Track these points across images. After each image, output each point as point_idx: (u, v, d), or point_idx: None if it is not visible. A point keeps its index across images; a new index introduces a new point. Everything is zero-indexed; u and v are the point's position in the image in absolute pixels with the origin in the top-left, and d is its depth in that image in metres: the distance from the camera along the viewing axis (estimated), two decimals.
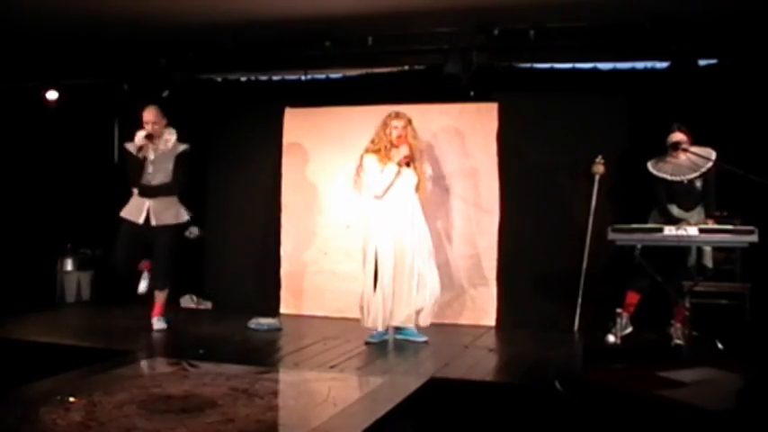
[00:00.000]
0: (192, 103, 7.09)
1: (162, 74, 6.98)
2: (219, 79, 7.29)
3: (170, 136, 5.77)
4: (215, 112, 7.16)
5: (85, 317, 6.67)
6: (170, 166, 5.71)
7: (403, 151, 5.29)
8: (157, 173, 5.69)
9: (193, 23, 6.19)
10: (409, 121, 5.42)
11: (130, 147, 5.72)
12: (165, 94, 6.93)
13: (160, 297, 5.88)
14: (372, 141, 5.45)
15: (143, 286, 5.86)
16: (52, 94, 7.33)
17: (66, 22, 6.13)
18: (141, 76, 7.04)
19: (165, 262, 5.76)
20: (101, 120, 7.53)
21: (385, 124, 5.41)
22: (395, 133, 5.35)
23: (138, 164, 5.62)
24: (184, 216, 5.86)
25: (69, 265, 7.32)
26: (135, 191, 5.74)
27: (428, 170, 5.64)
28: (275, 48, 6.69)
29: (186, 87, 7.08)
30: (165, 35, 6.58)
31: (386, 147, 5.36)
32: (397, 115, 5.41)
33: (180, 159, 5.74)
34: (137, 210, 5.68)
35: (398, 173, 5.32)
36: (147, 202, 5.67)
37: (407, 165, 5.33)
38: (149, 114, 5.68)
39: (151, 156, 5.68)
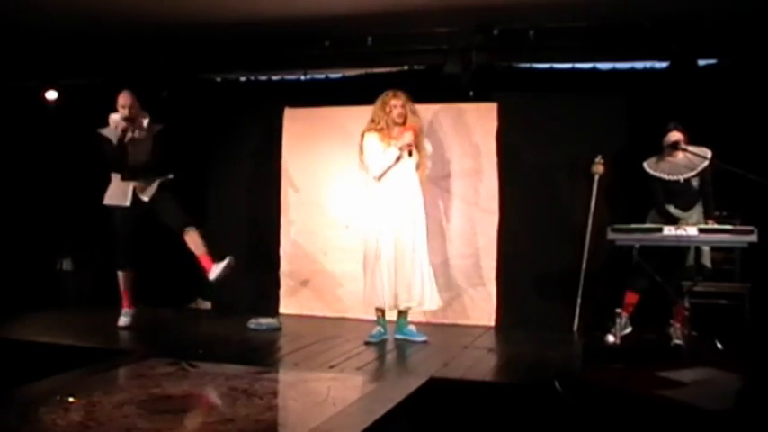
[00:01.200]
0: (191, 103, 7.09)
1: (161, 74, 6.98)
2: (219, 79, 7.28)
3: (144, 119, 5.73)
4: (215, 112, 7.16)
5: (85, 317, 6.66)
6: (149, 147, 5.70)
7: (407, 138, 5.28)
8: (138, 156, 5.67)
9: (193, 23, 6.19)
10: (408, 98, 5.43)
11: (106, 132, 5.70)
12: (165, 94, 6.94)
13: (195, 239, 5.63)
14: (372, 120, 5.45)
15: (124, 321, 5.84)
16: (52, 94, 7.33)
17: (65, 21, 6.13)
18: (141, 76, 7.03)
19: (178, 206, 5.69)
20: (100, 120, 7.51)
21: (384, 103, 5.40)
22: (395, 112, 5.35)
23: (119, 149, 5.60)
24: (166, 179, 5.79)
25: (69, 265, 7.31)
26: (116, 176, 5.73)
27: (428, 147, 5.61)
28: (275, 48, 6.68)
29: (186, 87, 7.08)
30: (165, 35, 6.58)
31: (387, 125, 5.37)
32: (396, 94, 5.40)
33: (158, 139, 5.73)
34: (122, 193, 5.69)
35: (399, 157, 5.32)
36: (131, 185, 5.68)
37: (410, 153, 5.33)
38: (125, 98, 5.64)
39: (131, 139, 5.69)
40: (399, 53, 6.47)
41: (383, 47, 6.39)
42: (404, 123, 5.39)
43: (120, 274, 5.86)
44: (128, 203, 5.66)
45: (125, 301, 5.89)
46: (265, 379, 4.27)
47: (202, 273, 5.63)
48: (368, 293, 5.43)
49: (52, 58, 7.09)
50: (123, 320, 5.84)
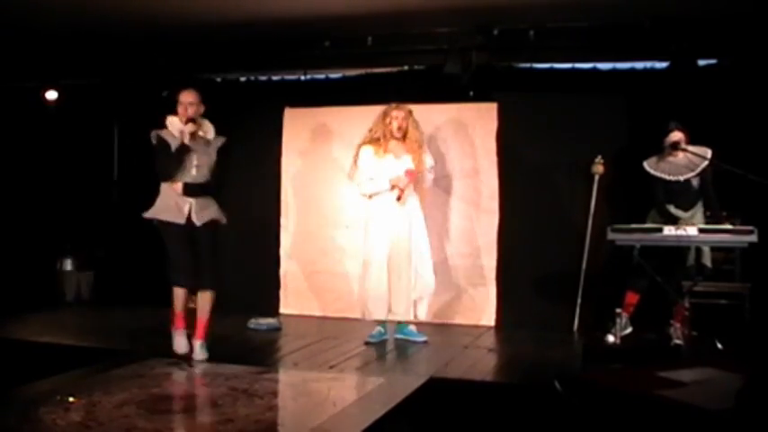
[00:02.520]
0: None
1: (161, 74, 6.98)
2: (219, 79, 7.29)
3: (210, 126, 5.04)
4: (214, 112, 7.12)
5: (85, 317, 6.67)
6: (212, 160, 4.94)
7: (401, 182, 5.26)
8: (201, 168, 4.89)
9: (193, 23, 6.19)
10: (410, 112, 5.42)
11: (165, 134, 4.91)
12: (165, 94, 6.93)
13: (206, 306, 4.89)
14: (370, 130, 5.45)
15: (183, 345, 4.88)
16: (52, 94, 7.33)
17: (65, 21, 6.13)
18: (141, 75, 7.04)
19: (213, 260, 4.92)
20: (100, 120, 7.54)
21: (385, 114, 5.40)
22: (395, 124, 5.35)
23: (179, 155, 4.81)
24: (222, 216, 5.01)
25: (69, 265, 7.32)
26: (171, 186, 4.86)
27: (429, 161, 5.53)
28: (275, 48, 6.68)
29: (186, 87, 7.07)
30: (165, 35, 6.58)
31: (384, 136, 5.36)
32: (398, 106, 5.41)
33: (221, 154, 4.98)
34: (177, 209, 4.84)
35: (389, 191, 5.32)
36: (189, 201, 4.85)
37: (398, 198, 5.29)
38: (190, 95, 4.95)
39: (196, 145, 4.88)
40: (399, 53, 6.47)
41: (383, 47, 6.39)
42: (404, 137, 5.38)
43: (179, 291, 4.87)
44: (183, 221, 4.82)
45: (180, 321, 4.91)
46: (265, 379, 4.28)
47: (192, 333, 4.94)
48: (363, 310, 5.43)
49: (52, 58, 7.09)
50: (182, 344, 4.87)
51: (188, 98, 4.93)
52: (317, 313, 6.66)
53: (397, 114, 5.36)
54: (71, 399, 3.71)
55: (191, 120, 4.85)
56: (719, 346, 5.02)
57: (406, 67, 6.60)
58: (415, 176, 5.32)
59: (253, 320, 6.02)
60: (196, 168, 4.88)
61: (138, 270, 7.19)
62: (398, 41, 6.36)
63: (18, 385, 3.94)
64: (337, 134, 6.63)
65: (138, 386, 4.00)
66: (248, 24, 6.15)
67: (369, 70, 6.70)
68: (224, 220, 5.01)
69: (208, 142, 4.96)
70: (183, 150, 4.82)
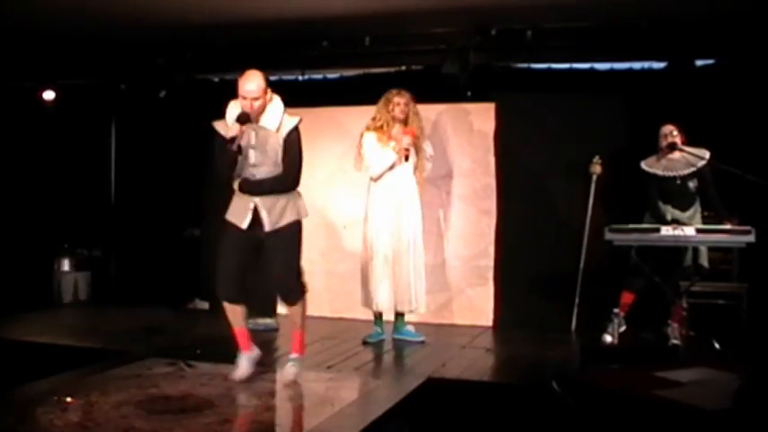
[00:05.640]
0: (189, 103, 7.08)
1: (160, 74, 6.98)
2: (217, 79, 7.28)
3: (276, 109, 4.26)
4: (213, 112, 7.12)
5: (83, 317, 6.66)
6: (278, 150, 4.18)
7: (404, 142, 5.27)
8: (263, 162, 4.18)
9: (191, 23, 6.18)
10: (412, 98, 5.43)
11: (220, 127, 4.29)
12: (163, 94, 6.94)
13: (296, 318, 4.38)
14: (374, 118, 5.46)
15: (245, 367, 4.26)
16: (49, 94, 7.33)
17: (64, 21, 6.12)
18: (139, 76, 7.03)
19: (289, 273, 4.27)
20: (98, 120, 7.53)
21: (387, 100, 5.41)
22: (397, 110, 5.36)
23: (229, 153, 4.13)
24: (305, 210, 4.28)
25: (66, 265, 7.32)
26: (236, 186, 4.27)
27: (428, 149, 5.57)
28: (273, 48, 6.67)
29: (184, 87, 7.08)
30: (163, 35, 6.57)
31: (387, 123, 5.37)
32: (399, 92, 5.41)
33: (290, 141, 4.20)
34: (241, 211, 4.19)
35: (398, 160, 5.31)
36: (254, 201, 4.17)
37: (406, 158, 5.31)
38: (249, 83, 4.13)
39: (252, 139, 4.17)
40: (397, 53, 6.47)
41: (381, 47, 6.39)
42: (405, 120, 5.39)
43: (227, 306, 4.37)
44: (244, 226, 4.16)
45: (241, 342, 4.34)
46: (263, 379, 4.27)
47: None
48: (365, 298, 5.44)
49: (50, 58, 7.09)
50: (243, 369, 4.25)
51: (247, 88, 4.14)
52: (315, 313, 6.62)
53: (398, 100, 5.38)
54: (69, 399, 3.71)
55: (244, 117, 4.12)
56: (717, 346, 5.03)
57: (403, 68, 6.61)
58: (413, 134, 5.31)
59: (250, 321, 5.96)
60: (255, 165, 4.21)
61: (135, 270, 7.19)
62: (396, 42, 6.36)
63: (15, 386, 3.94)
64: (335, 134, 6.62)
65: (136, 386, 3.99)
66: (246, 24, 6.15)
67: (367, 70, 6.70)
68: (305, 213, 4.28)
69: (273, 128, 4.21)
70: (228, 151, 4.12)
